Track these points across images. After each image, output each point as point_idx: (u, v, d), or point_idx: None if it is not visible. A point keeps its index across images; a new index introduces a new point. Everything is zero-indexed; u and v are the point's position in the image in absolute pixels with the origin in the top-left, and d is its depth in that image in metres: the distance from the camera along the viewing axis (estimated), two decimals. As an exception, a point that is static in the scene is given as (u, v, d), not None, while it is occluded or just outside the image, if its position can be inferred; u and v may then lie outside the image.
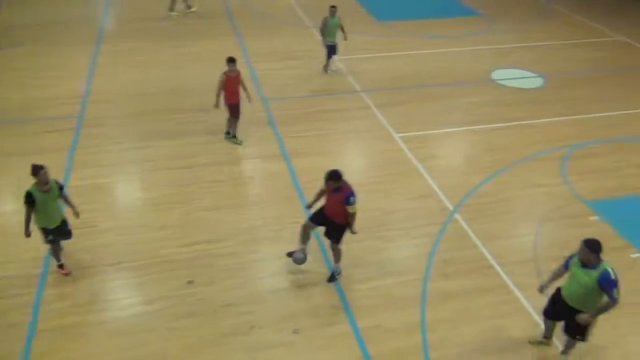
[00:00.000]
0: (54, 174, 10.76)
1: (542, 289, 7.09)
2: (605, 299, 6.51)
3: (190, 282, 8.43)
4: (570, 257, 6.77)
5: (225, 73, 11.47)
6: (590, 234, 9.45)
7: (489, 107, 13.95)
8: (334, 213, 8.08)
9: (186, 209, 10.03)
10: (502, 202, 10.41)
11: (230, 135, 12.16)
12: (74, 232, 8.92)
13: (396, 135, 12.49)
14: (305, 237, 8.50)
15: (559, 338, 7.48)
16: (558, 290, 7.03)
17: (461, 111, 13.75)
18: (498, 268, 8.83)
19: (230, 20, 19.99)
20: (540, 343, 7.58)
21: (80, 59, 16.28)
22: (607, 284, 6.34)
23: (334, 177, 7.74)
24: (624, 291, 8.35)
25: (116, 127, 12.73)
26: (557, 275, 6.99)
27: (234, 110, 11.91)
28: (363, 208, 10.00)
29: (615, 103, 14.35)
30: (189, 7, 20.62)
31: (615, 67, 16.74)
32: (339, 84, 15.07)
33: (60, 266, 8.52)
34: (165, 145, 11.99)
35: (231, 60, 11.42)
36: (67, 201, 8.34)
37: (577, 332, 6.90)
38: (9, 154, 11.52)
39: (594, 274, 6.40)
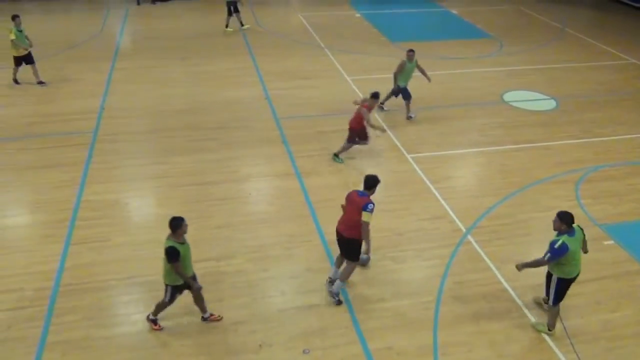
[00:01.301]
0: (69, 188, 10.95)
1: (519, 268, 7.81)
2: (561, 264, 7.40)
3: (200, 299, 8.40)
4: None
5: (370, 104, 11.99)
6: (604, 258, 9.45)
7: (501, 129, 13.92)
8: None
9: (197, 225, 10.02)
10: (515, 224, 10.32)
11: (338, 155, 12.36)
12: (87, 246, 8.95)
13: (408, 156, 12.47)
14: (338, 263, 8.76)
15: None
16: None
17: (474, 132, 13.72)
18: (511, 292, 8.72)
19: (244, 39, 20.19)
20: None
21: (96, 75, 16.49)
22: (549, 246, 7.26)
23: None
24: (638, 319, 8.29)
25: (130, 143, 12.82)
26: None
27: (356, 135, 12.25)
28: (375, 228, 9.96)
29: (630, 126, 14.26)
30: (241, 24, 21.27)
31: (629, 90, 16.68)
32: (352, 104, 15.06)
33: (154, 321, 7.92)
34: (179, 162, 12.04)
35: (376, 96, 12.03)
36: None
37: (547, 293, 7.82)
38: (24, 168, 11.65)
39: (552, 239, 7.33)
